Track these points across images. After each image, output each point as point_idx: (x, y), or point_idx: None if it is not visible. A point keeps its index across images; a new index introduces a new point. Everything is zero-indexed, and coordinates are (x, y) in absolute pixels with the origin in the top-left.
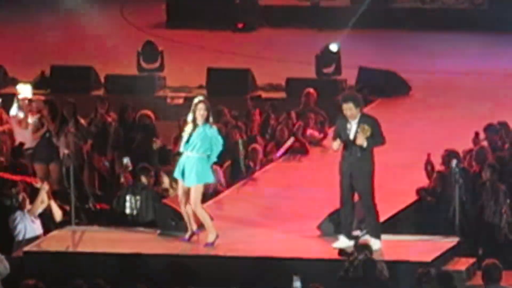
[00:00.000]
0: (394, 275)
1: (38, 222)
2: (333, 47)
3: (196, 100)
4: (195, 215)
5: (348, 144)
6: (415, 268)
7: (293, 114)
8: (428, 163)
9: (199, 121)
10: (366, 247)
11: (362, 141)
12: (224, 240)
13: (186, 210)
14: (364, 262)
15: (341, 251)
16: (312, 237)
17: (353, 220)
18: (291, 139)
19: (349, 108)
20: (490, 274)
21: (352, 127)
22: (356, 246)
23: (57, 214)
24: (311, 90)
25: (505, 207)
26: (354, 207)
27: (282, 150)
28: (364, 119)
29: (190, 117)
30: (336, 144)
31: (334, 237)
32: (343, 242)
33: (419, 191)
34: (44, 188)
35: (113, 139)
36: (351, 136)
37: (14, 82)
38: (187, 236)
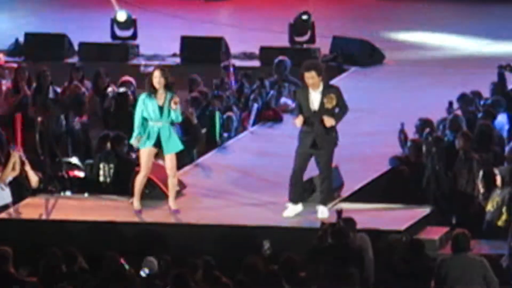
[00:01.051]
0: (366, 243)
1: (8, 190)
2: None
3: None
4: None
5: (311, 116)
6: (388, 237)
7: (266, 83)
8: (401, 132)
9: (161, 89)
10: (350, 220)
11: (329, 110)
12: (196, 208)
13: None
14: (335, 231)
15: (322, 223)
16: (284, 205)
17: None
18: (255, 106)
19: (311, 77)
20: (458, 244)
21: (316, 97)
22: (341, 218)
23: (33, 179)
24: (282, 58)
25: (478, 176)
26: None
27: (251, 118)
28: (328, 88)
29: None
30: (299, 122)
31: (307, 206)
32: (292, 209)
33: (393, 160)
34: (15, 155)
35: (88, 107)
36: (316, 107)
37: None
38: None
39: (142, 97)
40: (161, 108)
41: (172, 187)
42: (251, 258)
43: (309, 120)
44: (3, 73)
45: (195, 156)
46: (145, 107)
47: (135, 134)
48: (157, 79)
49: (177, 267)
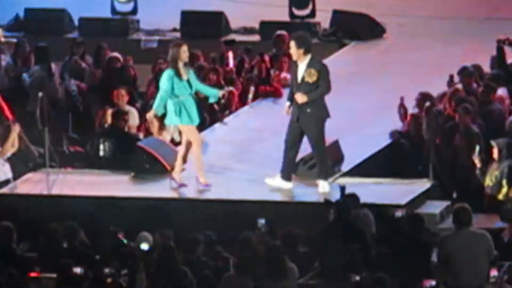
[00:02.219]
0: (367, 218)
1: (8, 165)
2: None
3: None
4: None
5: (295, 88)
6: (388, 211)
7: (266, 57)
8: (401, 106)
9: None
10: (353, 195)
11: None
12: (196, 183)
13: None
14: (339, 206)
15: (326, 201)
16: None
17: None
18: (252, 89)
19: (291, 47)
20: (459, 218)
21: (301, 70)
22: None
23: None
24: (282, 32)
25: (477, 151)
26: (298, 152)
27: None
28: (313, 63)
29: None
30: (286, 107)
31: (308, 180)
32: (281, 183)
33: (393, 134)
34: (15, 130)
35: (89, 82)
36: (299, 80)
37: None
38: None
39: (171, 73)
40: (188, 82)
41: (198, 159)
42: (246, 233)
43: (293, 93)
44: (3, 49)
45: None
46: (175, 83)
47: (157, 105)
48: (186, 53)
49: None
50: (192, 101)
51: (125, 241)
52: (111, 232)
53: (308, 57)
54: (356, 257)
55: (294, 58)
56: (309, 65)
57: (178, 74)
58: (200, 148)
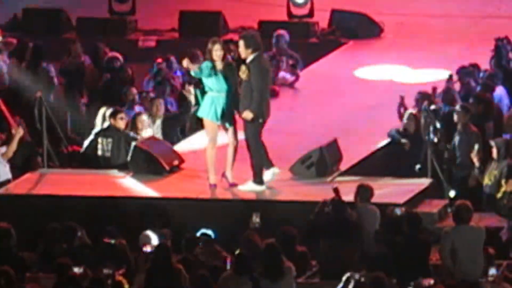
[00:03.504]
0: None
1: (8, 166)
2: None
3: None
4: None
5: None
6: (387, 210)
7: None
8: (401, 105)
9: (219, 60)
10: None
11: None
12: (195, 183)
13: (213, 153)
14: (334, 204)
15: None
16: (283, 180)
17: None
18: None
19: (240, 46)
20: (460, 215)
21: (242, 66)
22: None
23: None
24: (282, 31)
25: (476, 150)
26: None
27: None
28: (252, 61)
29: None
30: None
31: (306, 179)
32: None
33: (391, 132)
34: (19, 133)
35: (89, 80)
36: (240, 74)
37: None
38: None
39: (209, 64)
40: (225, 78)
41: (230, 158)
42: (250, 232)
43: None
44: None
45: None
46: (212, 75)
47: (201, 111)
48: (219, 52)
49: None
50: (225, 100)
51: (112, 241)
52: (109, 232)
53: (253, 56)
54: (353, 256)
55: (243, 56)
56: (249, 63)
57: (214, 68)
58: (212, 148)
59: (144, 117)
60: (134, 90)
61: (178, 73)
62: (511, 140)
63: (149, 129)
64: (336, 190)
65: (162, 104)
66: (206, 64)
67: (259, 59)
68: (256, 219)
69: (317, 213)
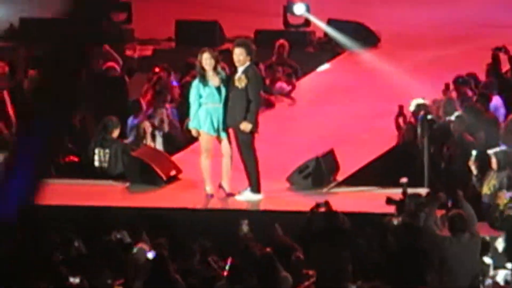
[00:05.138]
0: (361, 226)
1: None
2: (299, 9)
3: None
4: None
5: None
6: (384, 219)
7: (261, 66)
8: (400, 115)
9: (210, 70)
10: (416, 195)
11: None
12: (192, 193)
13: (207, 163)
14: (326, 213)
15: (389, 199)
16: (281, 189)
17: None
18: None
19: (240, 53)
20: (455, 225)
21: (238, 74)
22: (406, 194)
23: None
24: (284, 41)
25: (473, 158)
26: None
27: None
28: (248, 69)
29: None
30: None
31: (303, 189)
32: (247, 195)
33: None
34: None
35: (84, 92)
36: (233, 83)
37: None
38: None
39: (195, 82)
40: (218, 89)
41: (226, 168)
42: (245, 242)
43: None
44: None
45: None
46: (201, 91)
47: (193, 122)
48: (207, 61)
49: (172, 251)
50: (219, 111)
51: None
52: (105, 242)
53: (249, 64)
54: (348, 265)
55: (240, 63)
56: (244, 70)
57: (203, 81)
58: (206, 158)
59: (148, 125)
60: (142, 101)
61: (175, 83)
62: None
63: (155, 137)
64: (326, 204)
65: (165, 120)
66: (193, 83)
67: (254, 67)
68: (244, 227)
69: (309, 221)
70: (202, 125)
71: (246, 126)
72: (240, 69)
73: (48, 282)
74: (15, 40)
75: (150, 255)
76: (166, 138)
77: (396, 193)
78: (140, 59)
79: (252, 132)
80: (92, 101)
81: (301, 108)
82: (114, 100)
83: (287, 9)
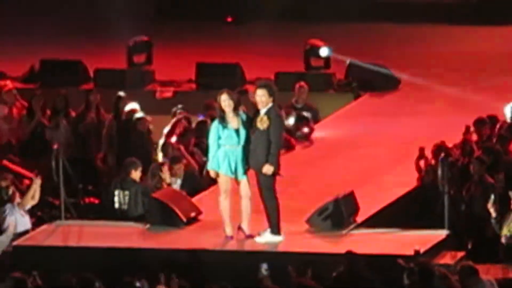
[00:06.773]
0: (380, 268)
1: (27, 217)
2: (323, 52)
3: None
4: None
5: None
6: (400, 262)
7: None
8: (421, 157)
9: (230, 112)
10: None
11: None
12: (212, 235)
13: (226, 204)
14: (348, 257)
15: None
16: (300, 231)
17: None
18: None
19: (262, 95)
20: (464, 277)
21: (260, 115)
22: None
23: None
24: (303, 83)
25: (492, 200)
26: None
27: None
28: (271, 111)
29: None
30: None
31: (322, 231)
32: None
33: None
34: (37, 182)
35: (108, 134)
36: (257, 124)
37: (2, 76)
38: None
39: (215, 124)
40: (237, 131)
41: (245, 210)
42: (266, 283)
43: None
44: (9, 99)
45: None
46: (220, 133)
47: (212, 163)
48: (226, 102)
49: None
50: (239, 152)
51: None
52: (126, 283)
53: (270, 105)
54: None
55: (262, 105)
56: (267, 112)
57: (223, 122)
58: (225, 199)
59: (166, 168)
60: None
61: (201, 117)
62: None
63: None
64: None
65: (182, 168)
66: (212, 125)
67: (276, 108)
68: (264, 270)
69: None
70: (221, 166)
71: (268, 169)
72: (263, 111)
73: None
74: (35, 81)
75: None
76: (187, 179)
77: (415, 234)
78: (160, 100)
79: (274, 174)
80: (114, 141)
81: (320, 150)
82: (135, 141)
83: (310, 52)
